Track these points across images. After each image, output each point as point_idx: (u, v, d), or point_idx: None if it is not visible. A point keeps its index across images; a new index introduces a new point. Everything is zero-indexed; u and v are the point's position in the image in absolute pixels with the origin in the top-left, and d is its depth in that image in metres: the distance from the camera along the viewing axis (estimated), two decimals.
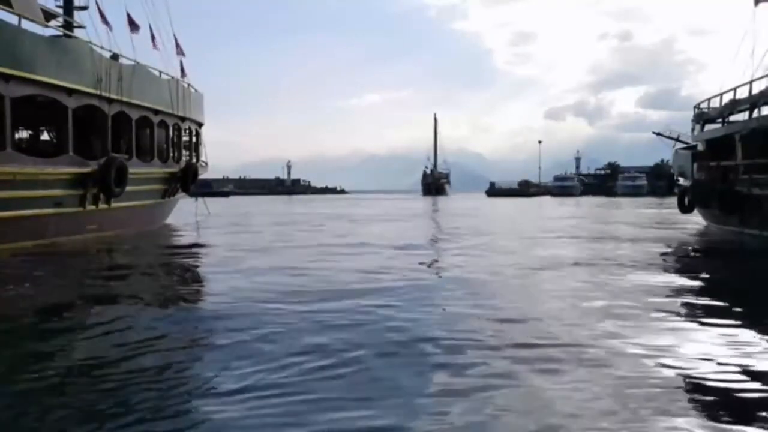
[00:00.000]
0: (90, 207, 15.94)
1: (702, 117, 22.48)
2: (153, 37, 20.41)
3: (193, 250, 14.65)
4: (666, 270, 10.91)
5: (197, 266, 12.01)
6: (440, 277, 10.42)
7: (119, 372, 4.74)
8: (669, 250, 14.45)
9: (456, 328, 6.11)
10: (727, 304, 7.52)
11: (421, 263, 11.74)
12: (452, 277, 10.04)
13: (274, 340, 5.61)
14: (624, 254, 12.95)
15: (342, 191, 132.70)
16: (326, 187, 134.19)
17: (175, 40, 21.82)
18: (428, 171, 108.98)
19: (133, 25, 18.99)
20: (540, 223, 20.84)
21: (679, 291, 8.56)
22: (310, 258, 12.26)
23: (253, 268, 10.87)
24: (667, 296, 8.09)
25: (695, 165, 20.82)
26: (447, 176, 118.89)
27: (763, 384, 4.45)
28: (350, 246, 14.86)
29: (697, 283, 9.39)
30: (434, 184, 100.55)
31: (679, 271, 10.75)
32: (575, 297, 7.86)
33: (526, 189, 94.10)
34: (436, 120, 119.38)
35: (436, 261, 12.66)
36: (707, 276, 10.26)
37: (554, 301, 7.72)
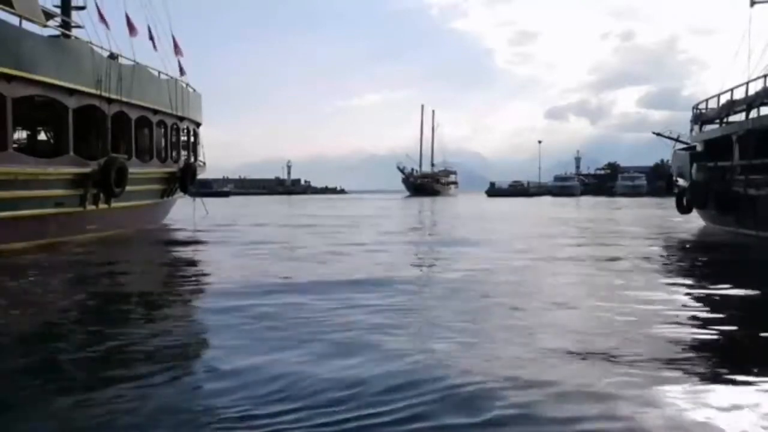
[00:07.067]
0: (90, 207, 16.01)
1: (700, 118, 22.57)
2: (152, 39, 20.44)
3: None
4: None
5: None
6: None
7: None
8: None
9: None
10: None
11: None
12: None
13: None
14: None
15: (342, 191, 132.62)
16: (326, 188, 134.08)
17: (174, 40, 21.89)
18: (408, 169, 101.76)
19: (132, 29, 19.00)
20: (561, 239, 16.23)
21: None
22: None
23: None
24: None
25: (693, 166, 20.86)
26: (452, 174, 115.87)
27: None
28: None
29: None
30: (421, 185, 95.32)
31: None
32: None
33: (526, 189, 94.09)
34: (423, 111, 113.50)
35: None
36: None
37: None
